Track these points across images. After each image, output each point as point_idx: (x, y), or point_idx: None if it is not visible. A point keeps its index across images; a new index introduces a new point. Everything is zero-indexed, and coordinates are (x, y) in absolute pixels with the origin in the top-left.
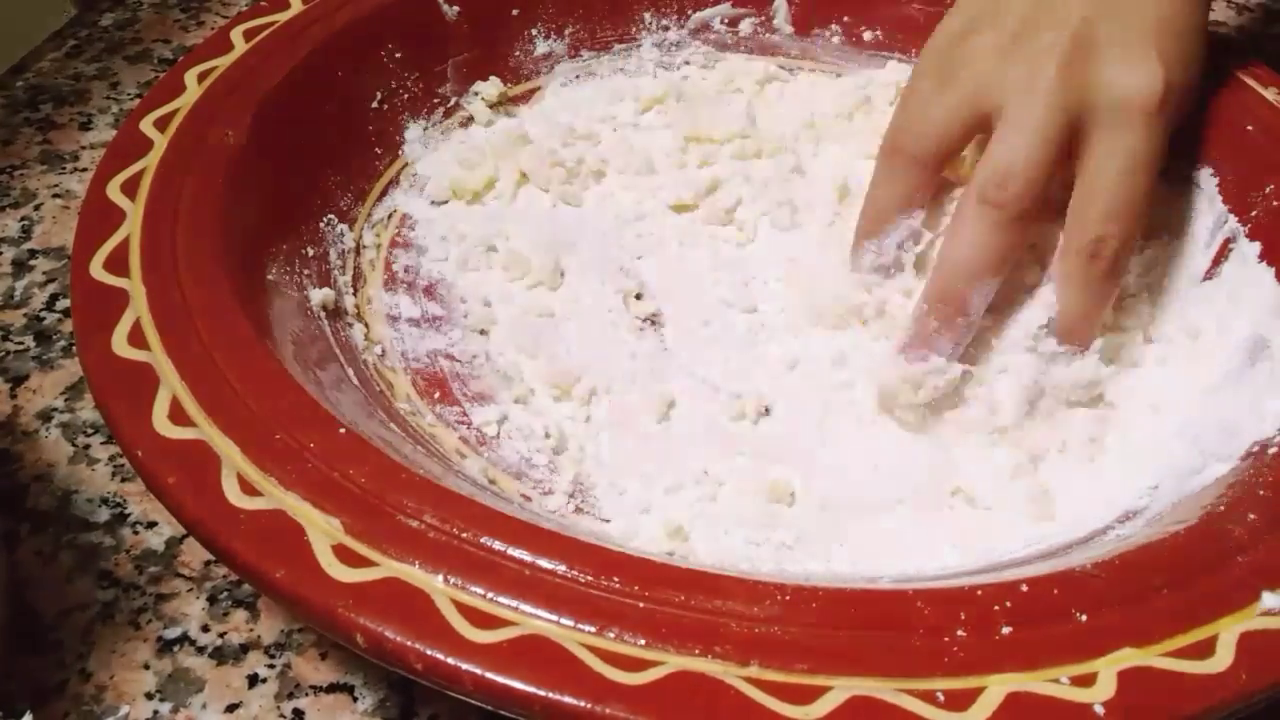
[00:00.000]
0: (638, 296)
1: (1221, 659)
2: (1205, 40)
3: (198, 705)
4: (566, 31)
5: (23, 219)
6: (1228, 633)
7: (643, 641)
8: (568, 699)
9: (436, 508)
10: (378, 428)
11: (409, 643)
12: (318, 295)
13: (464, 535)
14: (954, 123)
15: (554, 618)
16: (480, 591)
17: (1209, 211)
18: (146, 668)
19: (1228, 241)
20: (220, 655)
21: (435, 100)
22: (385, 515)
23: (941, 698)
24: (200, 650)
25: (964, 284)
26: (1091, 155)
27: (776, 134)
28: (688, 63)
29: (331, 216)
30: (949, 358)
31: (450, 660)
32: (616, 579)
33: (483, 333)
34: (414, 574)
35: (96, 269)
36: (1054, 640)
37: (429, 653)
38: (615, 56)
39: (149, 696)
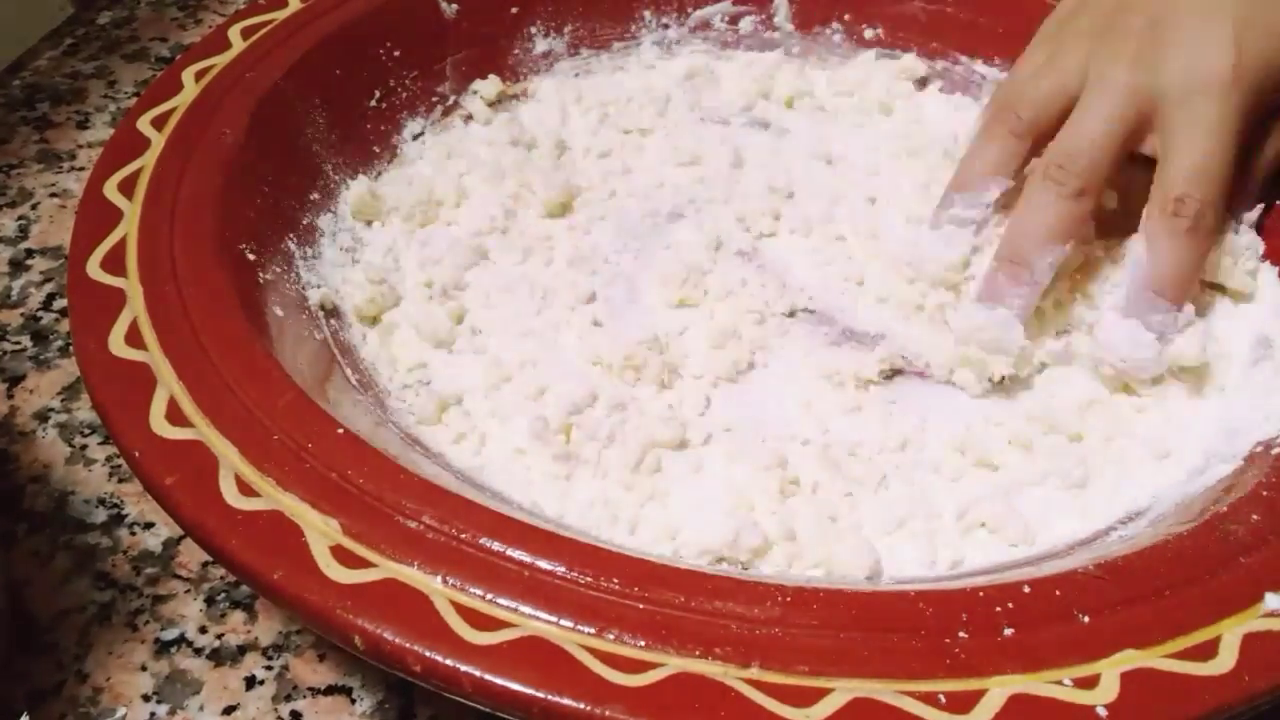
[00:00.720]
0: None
1: (1224, 660)
2: None
3: (195, 707)
4: (566, 29)
5: (20, 218)
6: (1230, 634)
7: (643, 643)
8: (567, 701)
9: (435, 509)
10: (375, 427)
11: (407, 644)
12: (315, 295)
13: (463, 536)
14: (1050, 102)
15: (553, 619)
16: (479, 593)
17: None
18: (143, 669)
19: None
20: (218, 657)
21: (434, 99)
22: (384, 516)
23: (943, 700)
24: (198, 652)
25: (1028, 248)
26: (1170, 129)
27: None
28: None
29: (330, 215)
30: (1017, 314)
31: (449, 662)
32: (616, 580)
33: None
34: (412, 575)
35: (94, 268)
36: (1056, 642)
37: (427, 654)
38: (615, 55)
39: (146, 698)
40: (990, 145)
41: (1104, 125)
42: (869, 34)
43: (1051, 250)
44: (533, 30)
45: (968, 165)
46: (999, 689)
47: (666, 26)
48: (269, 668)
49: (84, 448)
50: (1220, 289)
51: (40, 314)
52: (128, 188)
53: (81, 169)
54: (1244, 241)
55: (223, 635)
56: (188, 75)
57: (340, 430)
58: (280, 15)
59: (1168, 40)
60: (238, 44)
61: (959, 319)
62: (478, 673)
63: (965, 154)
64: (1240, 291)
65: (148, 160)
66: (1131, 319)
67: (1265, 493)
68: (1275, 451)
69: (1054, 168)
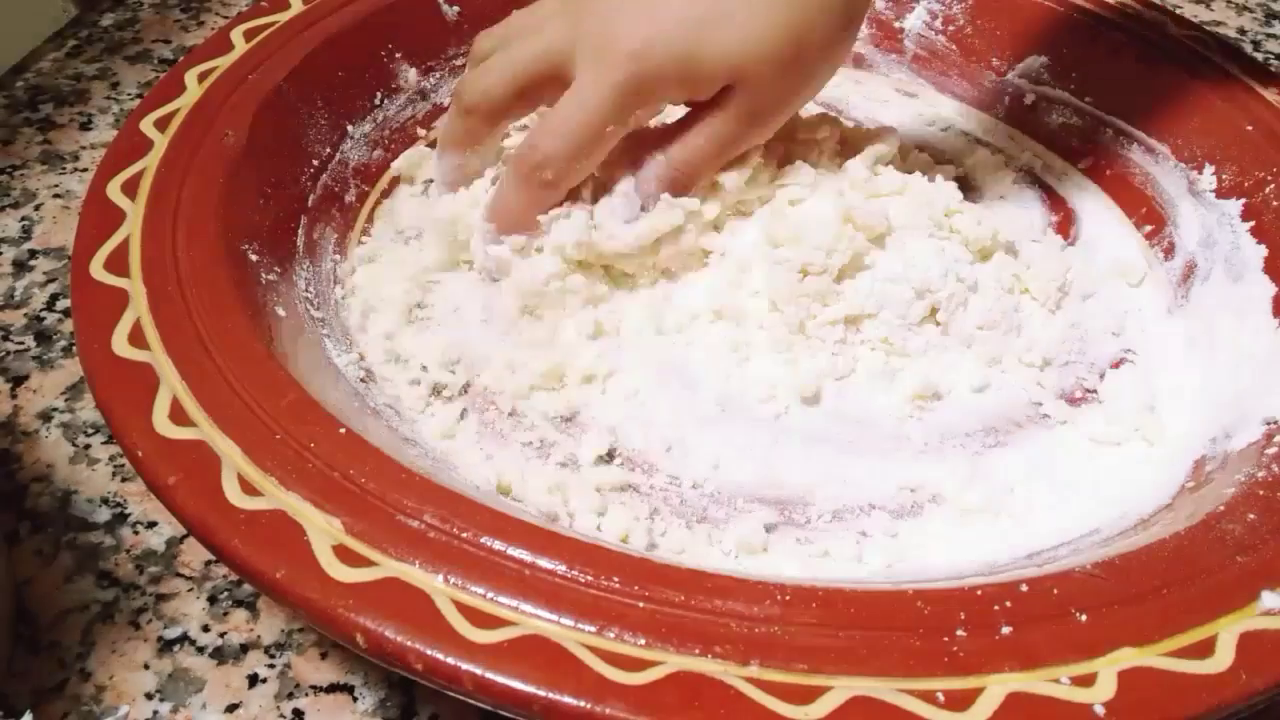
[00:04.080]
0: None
1: (1221, 659)
2: (791, 11)
3: (197, 705)
4: None
5: (23, 219)
6: (1228, 632)
7: (643, 641)
8: (568, 699)
9: (437, 508)
10: (375, 425)
11: (409, 642)
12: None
13: (464, 535)
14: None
15: (554, 618)
16: (480, 591)
17: (1209, 211)
18: (146, 667)
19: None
20: (220, 655)
21: (435, 101)
22: (385, 515)
23: (941, 698)
24: (200, 650)
25: (440, 148)
26: (567, 86)
27: None
28: None
29: (332, 215)
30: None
31: (450, 660)
32: (616, 579)
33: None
34: (414, 574)
35: (97, 269)
36: (1054, 640)
37: (429, 652)
38: None
39: (149, 696)
40: (449, 118)
41: (508, 64)
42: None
43: (449, 155)
44: None
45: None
46: (997, 687)
47: None
48: (271, 666)
49: (87, 447)
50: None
51: (43, 314)
52: (131, 189)
53: (84, 170)
54: (661, 216)
55: (225, 634)
56: (190, 77)
57: (342, 430)
58: (283, 17)
59: (597, 8)
60: (240, 46)
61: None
62: (479, 671)
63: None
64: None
65: (150, 161)
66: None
67: (1261, 492)
68: (1271, 451)
69: (459, 86)
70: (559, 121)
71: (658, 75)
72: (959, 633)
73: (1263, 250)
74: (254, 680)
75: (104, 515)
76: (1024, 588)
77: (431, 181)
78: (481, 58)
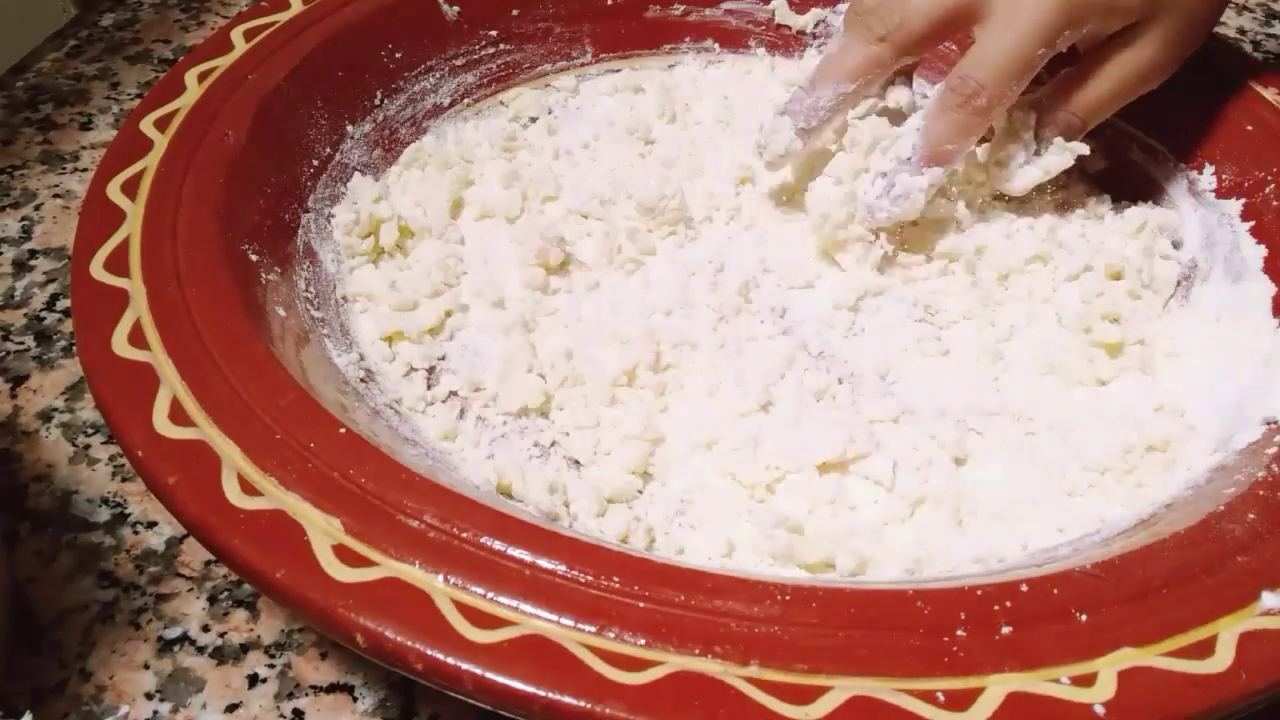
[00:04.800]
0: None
1: (1221, 659)
2: None
3: (198, 705)
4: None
5: (23, 219)
6: (1227, 632)
7: (643, 641)
8: (568, 699)
9: (437, 507)
10: (375, 425)
11: (409, 642)
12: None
13: (464, 535)
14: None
15: (554, 618)
16: (480, 591)
17: (1209, 210)
18: (146, 667)
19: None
20: (220, 655)
21: (435, 101)
22: (385, 515)
23: (942, 698)
24: (200, 650)
25: (822, 76)
26: (989, 16)
27: None
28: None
29: (332, 214)
30: (795, 126)
31: (450, 660)
32: (616, 579)
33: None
34: (414, 574)
35: (97, 269)
36: (1054, 640)
37: (429, 653)
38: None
39: (149, 696)
40: (850, 45)
41: (929, 2)
42: None
43: (838, 84)
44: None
45: (823, 65)
46: (997, 687)
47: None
48: (271, 666)
49: (87, 447)
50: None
51: (44, 314)
52: (131, 189)
53: (84, 170)
54: (1053, 159)
55: (225, 634)
56: (190, 77)
57: (342, 429)
58: (283, 17)
59: None
60: (240, 46)
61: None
62: (479, 671)
63: (825, 54)
64: (1009, 196)
65: (150, 161)
66: (883, 169)
67: (1262, 492)
68: (1271, 451)
69: (870, 15)
70: (993, 50)
71: (1086, 3)
72: (959, 633)
73: (1263, 250)
74: (254, 680)
75: (104, 515)
76: (1024, 588)
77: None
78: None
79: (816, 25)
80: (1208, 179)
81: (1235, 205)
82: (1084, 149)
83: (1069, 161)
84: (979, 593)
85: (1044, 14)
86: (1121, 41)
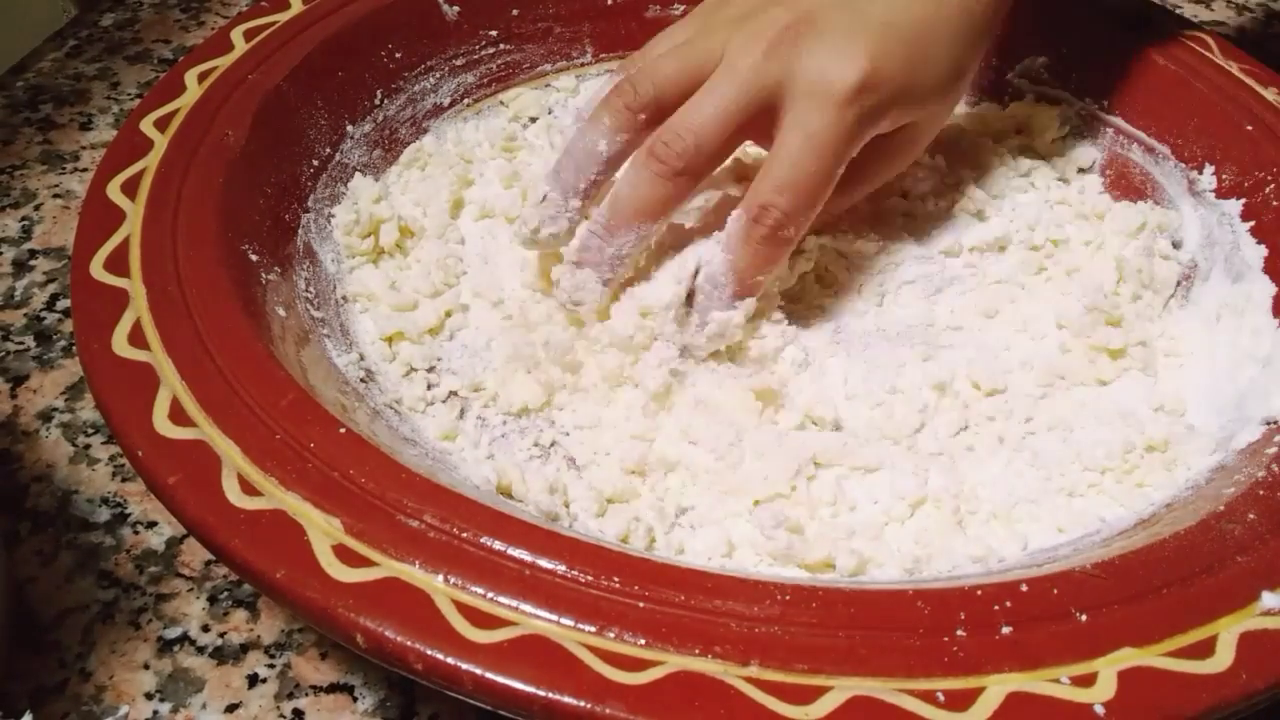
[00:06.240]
0: None
1: (1222, 659)
2: (965, 47)
3: (197, 705)
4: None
5: (23, 219)
6: (1228, 632)
7: (643, 641)
8: (568, 699)
9: (436, 507)
10: (375, 423)
11: (409, 643)
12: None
13: (464, 535)
14: (673, 82)
15: (554, 618)
16: (480, 591)
17: (1209, 210)
18: (146, 668)
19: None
20: (220, 655)
21: (435, 101)
22: (385, 515)
23: (942, 698)
24: (200, 650)
25: (616, 221)
26: (779, 129)
27: None
28: None
29: (332, 214)
30: (600, 278)
31: (450, 660)
32: (616, 579)
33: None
34: (414, 574)
35: (97, 269)
36: (1054, 640)
37: (429, 653)
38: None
39: (149, 696)
40: (602, 119)
41: (717, 109)
42: None
43: (638, 227)
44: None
45: (578, 137)
46: (997, 687)
47: None
48: (271, 666)
49: (87, 447)
50: None
51: (43, 314)
52: (131, 189)
53: (84, 170)
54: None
55: (225, 634)
56: (190, 77)
57: (342, 429)
58: (283, 17)
59: (805, 39)
60: (240, 46)
61: (556, 273)
62: (479, 671)
63: (581, 125)
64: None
65: (150, 161)
66: (692, 304)
67: (1262, 492)
68: (1271, 451)
69: (659, 144)
70: (790, 174)
71: (881, 109)
72: (959, 633)
73: (1263, 250)
74: (254, 680)
75: (104, 515)
76: (1024, 588)
77: None
78: (643, 108)
79: None
80: (1208, 179)
81: (1235, 205)
82: (827, 240)
83: (813, 260)
84: (979, 593)
85: (838, 130)
86: (900, 139)
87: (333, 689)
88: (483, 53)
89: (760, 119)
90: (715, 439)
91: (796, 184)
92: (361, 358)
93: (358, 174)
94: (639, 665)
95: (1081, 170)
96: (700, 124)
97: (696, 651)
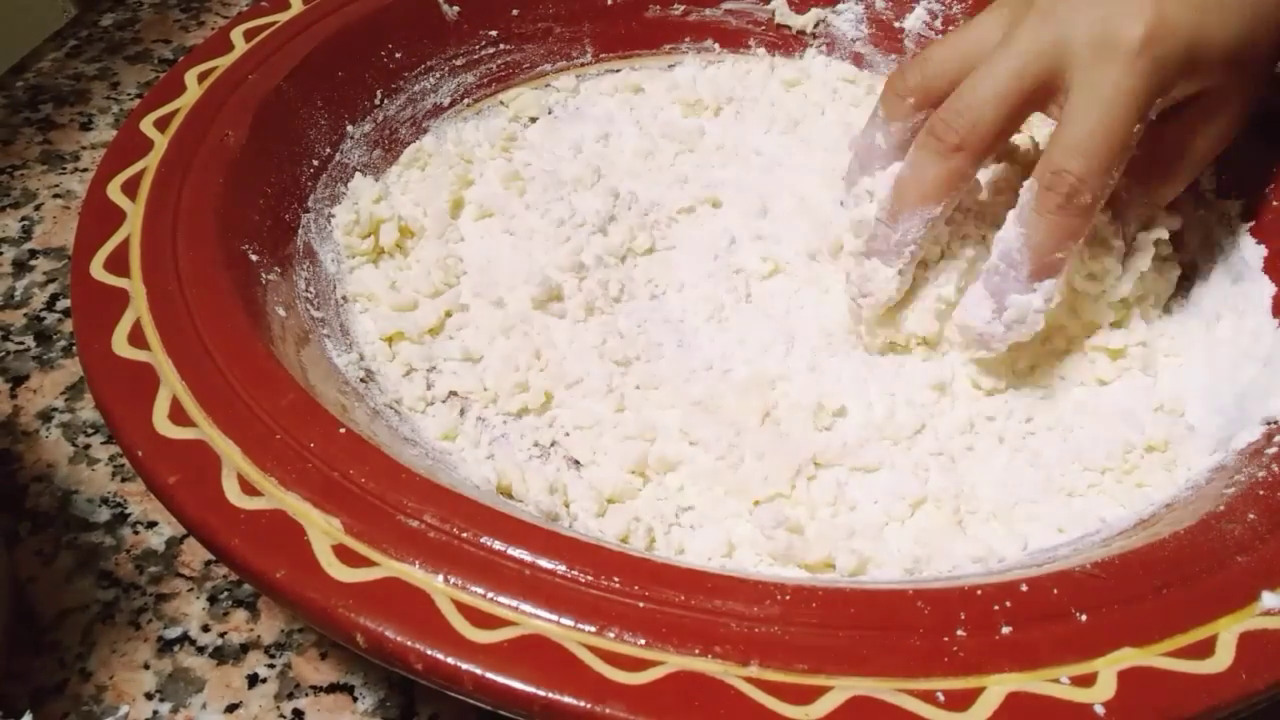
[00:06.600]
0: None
1: (1221, 659)
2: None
3: (198, 705)
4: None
5: (23, 219)
6: (1227, 632)
7: (643, 641)
8: (568, 699)
9: (437, 507)
10: (375, 423)
11: (409, 642)
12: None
13: (464, 535)
14: (942, 62)
15: (554, 618)
16: (480, 591)
17: (1209, 210)
18: (146, 667)
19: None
20: (220, 655)
21: (435, 101)
22: (385, 515)
23: (942, 698)
24: (200, 650)
25: (899, 205)
26: (1068, 92)
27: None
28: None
29: (332, 215)
30: (888, 264)
31: (450, 660)
32: (616, 579)
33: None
34: (414, 574)
35: (97, 269)
36: (1054, 640)
37: (429, 653)
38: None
39: (149, 696)
40: (877, 113)
41: (994, 82)
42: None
43: (923, 209)
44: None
45: (859, 137)
46: (997, 687)
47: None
48: (271, 666)
49: (87, 447)
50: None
51: (44, 314)
52: (131, 189)
53: (85, 170)
54: (1140, 257)
55: (225, 634)
56: (190, 77)
57: (342, 429)
58: (282, 17)
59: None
60: (240, 46)
61: (845, 264)
62: (479, 671)
63: (865, 124)
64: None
65: (150, 161)
66: (987, 288)
67: (1262, 492)
68: (1271, 451)
69: (937, 121)
70: (1083, 135)
71: (1174, 61)
72: (959, 633)
73: (1262, 250)
74: (254, 680)
75: (104, 515)
76: (1024, 588)
77: None
78: (910, 92)
79: (816, 25)
80: (1208, 179)
81: (1235, 205)
82: (1164, 232)
83: (1152, 253)
84: (979, 593)
85: (1131, 84)
86: (1197, 112)
87: (333, 689)
88: (483, 53)
89: (1046, 88)
90: (715, 439)
91: (1090, 146)
92: (361, 358)
93: (358, 174)
94: (639, 665)
95: None
96: (976, 96)
97: (696, 651)
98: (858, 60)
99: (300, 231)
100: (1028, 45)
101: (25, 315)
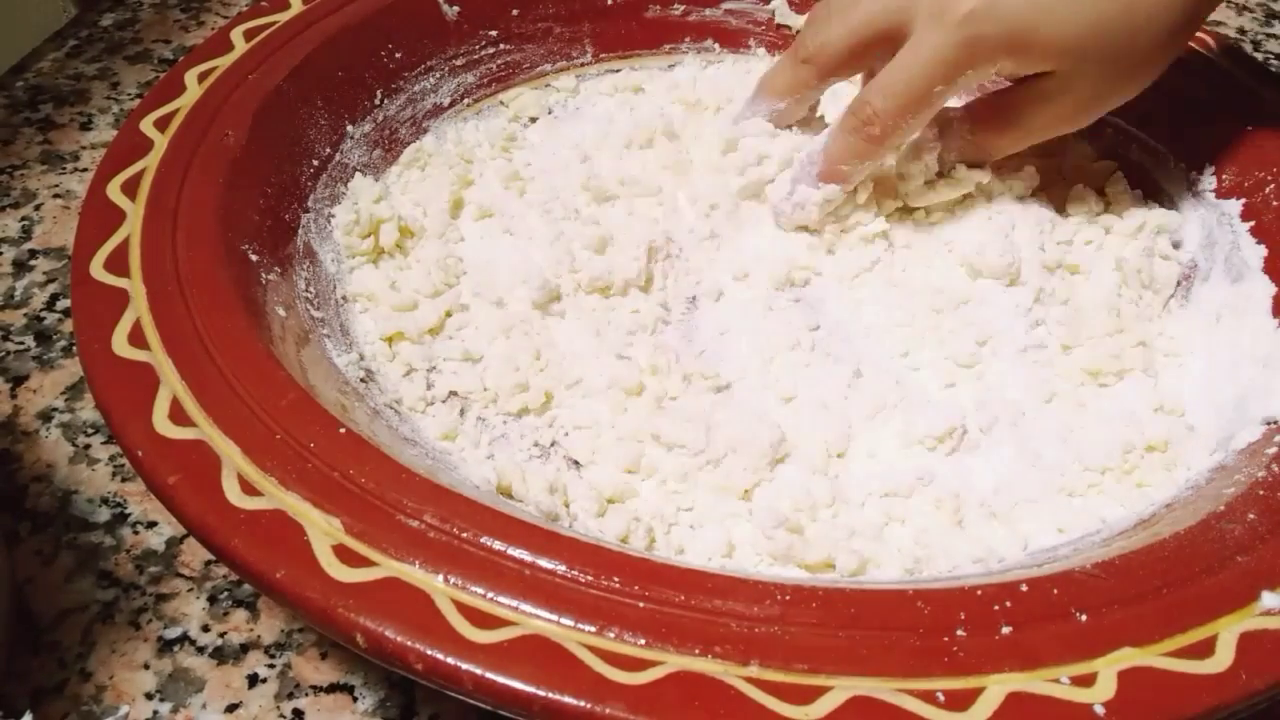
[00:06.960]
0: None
1: (1221, 659)
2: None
3: (198, 705)
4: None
5: (23, 219)
6: (1227, 632)
7: (643, 641)
8: (568, 699)
9: (437, 507)
10: (375, 423)
11: (409, 643)
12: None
13: (464, 535)
14: (844, 35)
15: (554, 618)
16: (480, 591)
17: (1209, 210)
18: (146, 667)
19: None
20: (220, 655)
21: (435, 101)
22: (385, 515)
23: (942, 698)
24: (200, 650)
25: (758, 92)
26: (901, 44)
27: None
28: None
29: (332, 214)
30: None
31: (450, 660)
32: (616, 579)
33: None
34: (414, 574)
35: (97, 269)
36: (1054, 640)
37: (429, 653)
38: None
39: (149, 696)
40: (784, 67)
41: (848, 20)
42: None
43: (768, 101)
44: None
45: (760, 80)
46: (997, 687)
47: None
48: (271, 666)
49: (87, 447)
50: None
51: (43, 314)
52: (131, 189)
53: (84, 170)
54: (948, 188)
55: (225, 634)
56: (190, 77)
57: (342, 429)
58: (283, 17)
59: None
60: (240, 46)
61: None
62: (479, 671)
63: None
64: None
65: (150, 161)
66: (791, 173)
67: (1261, 492)
68: (1271, 451)
69: (799, 40)
70: (891, 79)
71: (991, 41)
72: (959, 633)
73: (1263, 250)
74: (254, 680)
75: (104, 515)
76: (1024, 588)
77: None
78: (822, 18)
79: None
80: (1208, 179)
81: (1235, 205)
82: (984, 177)
83: (968, 188)
84: (979, 593)
85: (944, 50)
86: (1037, 88)
87: (333, 689)
88: (483, 53)
89: (890, 38)
90: (691, 439)
91: (892, 90)
92: (361, 358)
93: (358, 174)
94: (639, 665)
95: (1082, 170)
96: (832, 30)
97: (696, 651)
98: None
99: (300, 231)
100: (886, 2)
101: (25, 315)
